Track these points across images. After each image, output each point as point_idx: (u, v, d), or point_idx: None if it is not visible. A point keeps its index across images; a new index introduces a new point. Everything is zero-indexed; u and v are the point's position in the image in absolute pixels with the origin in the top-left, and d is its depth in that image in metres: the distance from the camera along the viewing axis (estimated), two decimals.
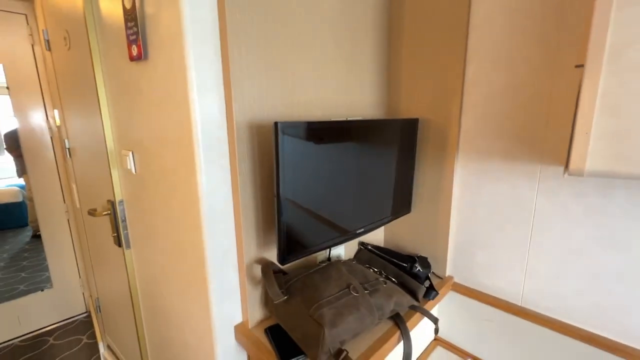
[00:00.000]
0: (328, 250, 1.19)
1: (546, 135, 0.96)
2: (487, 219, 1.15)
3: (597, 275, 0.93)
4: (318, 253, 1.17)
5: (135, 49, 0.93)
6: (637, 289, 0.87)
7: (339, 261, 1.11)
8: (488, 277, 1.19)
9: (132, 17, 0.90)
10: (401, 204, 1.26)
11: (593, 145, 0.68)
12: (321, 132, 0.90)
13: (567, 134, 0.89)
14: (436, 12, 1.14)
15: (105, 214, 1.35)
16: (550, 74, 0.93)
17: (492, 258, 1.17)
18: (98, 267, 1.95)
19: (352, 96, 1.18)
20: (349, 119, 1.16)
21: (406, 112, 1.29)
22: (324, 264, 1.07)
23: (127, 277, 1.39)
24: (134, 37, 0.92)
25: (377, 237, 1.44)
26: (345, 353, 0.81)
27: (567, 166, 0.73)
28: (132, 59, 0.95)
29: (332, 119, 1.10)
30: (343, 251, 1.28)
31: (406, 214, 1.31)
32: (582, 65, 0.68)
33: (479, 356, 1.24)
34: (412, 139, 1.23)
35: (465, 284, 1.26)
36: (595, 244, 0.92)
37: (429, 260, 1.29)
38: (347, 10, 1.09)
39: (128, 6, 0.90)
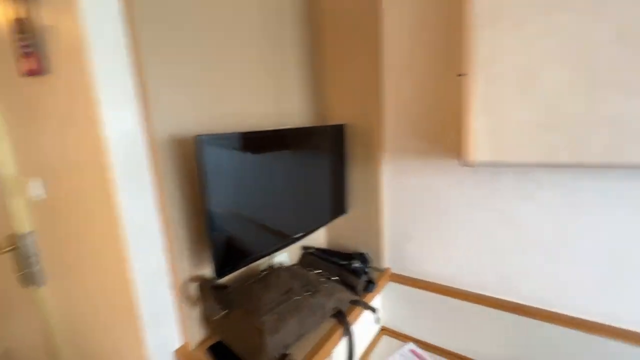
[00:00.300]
0: (270, 258, 1.20)
1: (448, 134, 1.10)
2: (412, 212, 1.28)
3: (498, 250, 1.10)
4: (260, 262, 1.17)
5: (34, 62, 0.84)
6: (528, 258, 1.05)
7: (281, 267, 1.13)
8: (419, 264, 1.31)
9: (25, 28, 0.82)
10: (337, 206, 1.33)
11: (477, 141, 0.81)
12: (249, 142, 0.91)
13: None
14: (353, 28, 1.24)
15: (7, 251, 1.16)
16: (446, 81, 1.08)
17: (420, 246, 1.29)
18: (2, 316, 1.65)
19: (282, 106, 1.21)
20: (279, 128, 1.19)
21: (336, 118, 1.37)
22: (266, 272, 1.07)
23: (43, 320, 1.21)
24: (28, 49, 0.83)
25: (319, 239, 1.49)
26: (288, 356, 0.82)
27: (461, 159, 0.85)
28: (27, 73, 0.86)
29: (264, 129, 1.12)
30: (286, 257, 1.29)
31: (343, 214, 1.38)
32: (463, 74, 0.81)
33: (419, 338, 1.35)
34: (341, 143, 1.31)
35: (402, 273, 1.37)
36: (494, 223, 1.09)
37: (369, 255, 1.37)
38: (269, 24, 1.13)
39: (18, 16, 0.82)
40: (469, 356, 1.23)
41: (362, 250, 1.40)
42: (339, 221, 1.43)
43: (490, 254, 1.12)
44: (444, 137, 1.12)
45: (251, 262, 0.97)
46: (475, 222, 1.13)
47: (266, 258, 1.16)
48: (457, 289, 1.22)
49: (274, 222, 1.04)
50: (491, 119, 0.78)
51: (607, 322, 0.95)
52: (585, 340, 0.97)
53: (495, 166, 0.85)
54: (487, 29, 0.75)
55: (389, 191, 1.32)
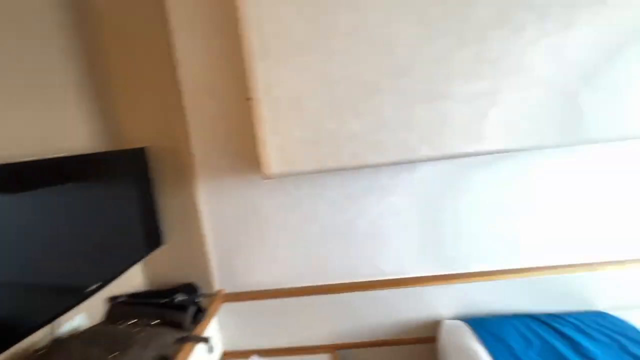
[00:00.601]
0: (53, 327, 0.91)
1: (253, 150, 1.20)
2: (236, 227, 1.30)
3: (310, 244, 1.29)
4: (35, 338, 0.87)
5: None
6: (329, 245, 1.29)
7: (71, 336, 0.88)
8: (251, 277, 1.35)
9: None
10: (151, 239, 1.18)
11: (271, 156, 0.93)
12: None
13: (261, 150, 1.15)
14: (139, 45, 1.15)
15: None
16: (244, 104, 1.17)
17: (248, 259, 1.33)
18: None
19: (51, 128, 0.95)
20: (49, 157, 0.93)
21: (135, 141, 1.21)
22: (43, 351, 0.80)
23: None
24: None
25: (134, 282, 1.27)
26: None
27: (261, 173, 0.96)
28: None
29: (19, 160, 0.84)
30: (84, 318, 1.02)
31: (159, 247, 1.23)
32: (250, 99, 0.91)
33: (262, 347, 1.39)
34: (144, 168, 1.17)
35: (235, 291, 1.36)
36: (302, 223, 1.27)
37: (197, 283, 1.29)
38: (23, 40, 0.86)
39: None
40: (305, 345, 1.38)
41: (190, 279, 1.30)
42: (158, 255, 1.27)
43: (305, 250, 1.30)
44: (250, 154, 1.21)
45: (12, 346, 0.70)
46: (289, 225, 1.28)
47: (47, 329, 0.87)
48: (285, 288, 1.34)
49: (53, 279, 0.80)
50: (277, 136, 0.92)
51: (379, 278, 1.30)
52: (368, 296, 1.29)
53: (288, 176, 1.01)
54: (261, 61, 0.88)
55: (209, 212, 1.29)
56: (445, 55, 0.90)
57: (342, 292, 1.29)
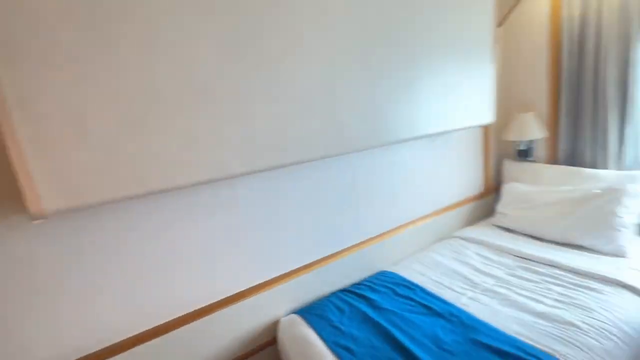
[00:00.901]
0: None
1: (12, 183, 0.89)
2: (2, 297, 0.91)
3: (121, 285, 1.08)
4: None
5: None
6: (145, 282, 1.11)
7: None
8: (50, 347, 0.98)
9: None
10: None
11: (41, 187, 0.72)
12: None
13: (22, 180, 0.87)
14: None
15: None
16: None
17: (23, 334, 0.96)
18: None
19: None
20: None
21: None
22: None
23: None
24: None
25: None
26: None
27: (29, 211, 0.72)
28: None
29: None
30: None
31: None
32: None
33: None
34: None
35: None
36: (106, 264, 1.04)
37: None
38: None
39: None
40: None
41: None
42: None
43: (113, 296, 1.06)
44: (13, 188, 0.88)
45: None
46: (87, 270, 1.02)
47: None
48: (93, 352, 1.06)
49: None
50: (49, 163, 0.73)
51: (214, 300, 1.26)
52: (205, 322, 1.23)
53: (74, 210, 0.81)
54: (7, 67, 0.67)
55: None
56: (244, 77, 0.99)
57: (175, 329, 1.16)
